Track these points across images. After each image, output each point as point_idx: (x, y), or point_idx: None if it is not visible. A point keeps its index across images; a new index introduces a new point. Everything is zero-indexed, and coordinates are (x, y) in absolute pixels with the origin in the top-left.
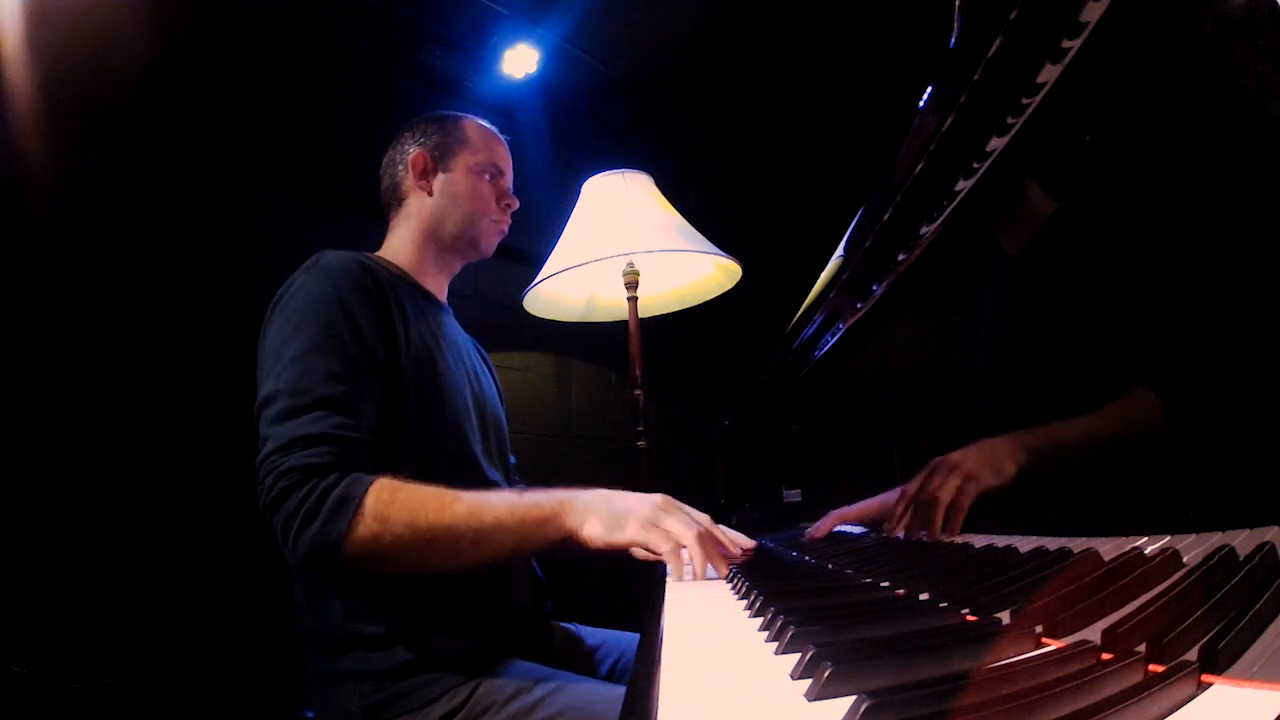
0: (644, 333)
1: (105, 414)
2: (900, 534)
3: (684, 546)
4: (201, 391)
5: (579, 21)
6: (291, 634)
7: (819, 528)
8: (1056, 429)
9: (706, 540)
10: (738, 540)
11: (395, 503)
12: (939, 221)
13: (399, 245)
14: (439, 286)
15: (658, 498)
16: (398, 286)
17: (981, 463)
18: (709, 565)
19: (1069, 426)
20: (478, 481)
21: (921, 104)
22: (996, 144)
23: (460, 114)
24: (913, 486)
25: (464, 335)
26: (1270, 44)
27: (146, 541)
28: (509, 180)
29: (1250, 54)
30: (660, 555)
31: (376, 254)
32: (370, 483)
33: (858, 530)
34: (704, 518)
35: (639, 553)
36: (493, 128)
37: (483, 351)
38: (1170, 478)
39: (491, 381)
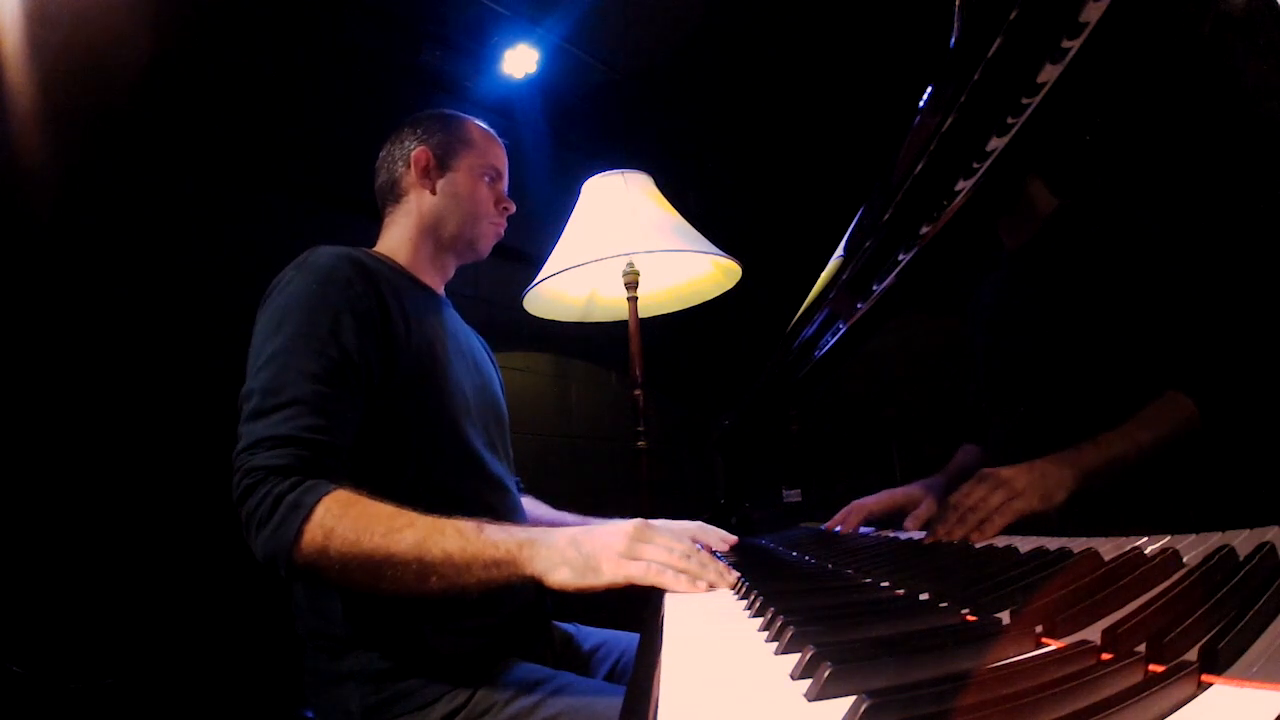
0: (644, 333)
1: (105, 414)
2: (926, 533)
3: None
4: (200, 391)
5: (579, 21)
6: (291, 634)
7: (846, 521)
8: (1080, 446)
9: (693, 559)
10: (726, 537)
11: (345, 517)
12: (939, 221)
13: (396, 242)
14: (435, 284)
15: (629, 526)
16: (396, 282)
17: (1030, 482)
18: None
19: (1087, 437)
20: (480, 474)
21: (921, 104)
22: (996, 144)
23: (462, 114)
24: (956, 495)
25: (465, 327)
26: (1270, 44)
27: (146, 541)
28: (505, 184)
29: (1250, 54)
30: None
31: (373, 250)
32: (326, 492)
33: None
34: (686, 529)
35: None
36: (492, 130)
37: (484, 343)
38: (1170, 478)
39: (494, 372)
